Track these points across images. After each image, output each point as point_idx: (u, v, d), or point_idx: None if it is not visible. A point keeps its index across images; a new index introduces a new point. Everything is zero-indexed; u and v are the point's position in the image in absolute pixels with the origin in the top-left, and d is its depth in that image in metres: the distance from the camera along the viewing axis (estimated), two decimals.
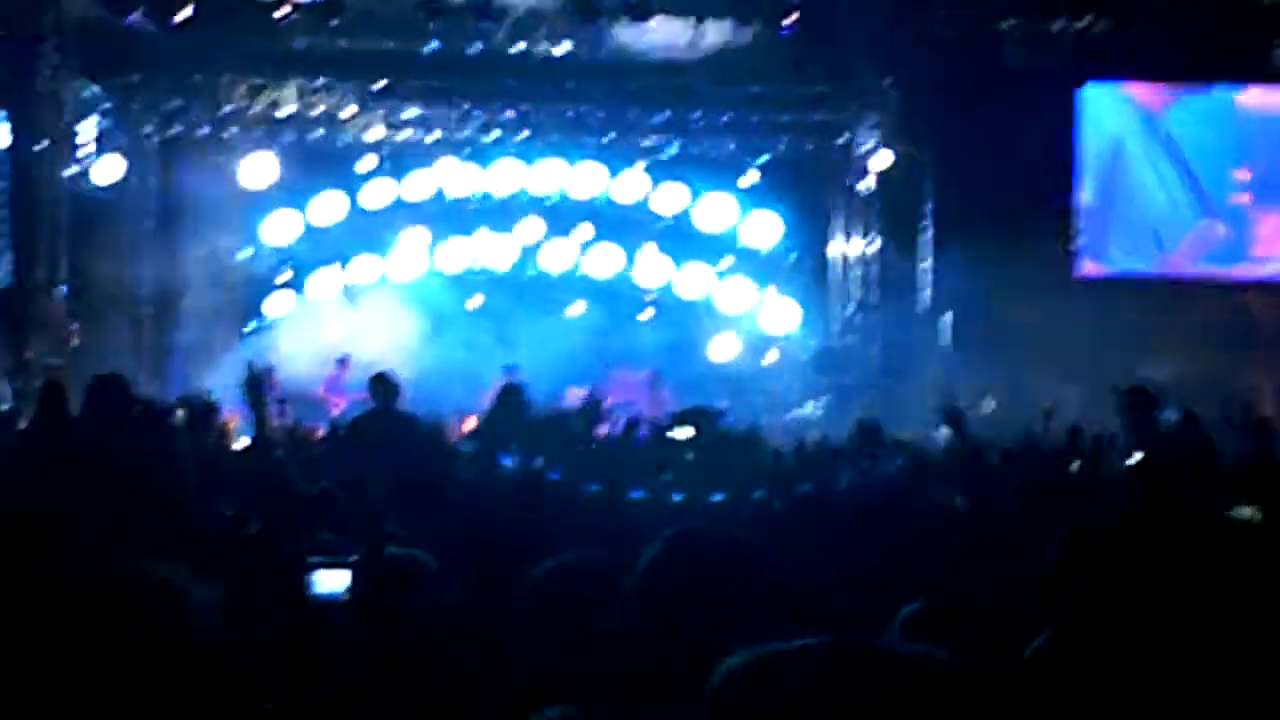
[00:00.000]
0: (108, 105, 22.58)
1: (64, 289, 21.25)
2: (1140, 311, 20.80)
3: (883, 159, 22.22)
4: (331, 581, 6.12)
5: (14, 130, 20.52)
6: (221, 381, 19.67)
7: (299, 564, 5.97)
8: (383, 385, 14.02)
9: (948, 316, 21.69)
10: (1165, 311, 20.68)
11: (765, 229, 24.07)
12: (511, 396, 14.03)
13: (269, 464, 7.97)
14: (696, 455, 8.99)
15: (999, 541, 6.67)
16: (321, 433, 16.60)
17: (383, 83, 22.67)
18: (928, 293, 22.17)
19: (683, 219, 24.19)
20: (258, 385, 8.20)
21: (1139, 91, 22.08)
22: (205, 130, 23.69)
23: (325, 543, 6.89)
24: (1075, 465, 11.15)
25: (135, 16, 19.67)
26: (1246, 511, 6.63)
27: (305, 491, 7.84)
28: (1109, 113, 22.27)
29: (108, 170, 22.13)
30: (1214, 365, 19.47)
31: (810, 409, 21.72)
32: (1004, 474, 9.80)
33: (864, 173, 23.09)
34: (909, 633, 5.33)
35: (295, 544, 6.50)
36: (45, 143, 20.70)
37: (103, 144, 22.21)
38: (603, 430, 12.25)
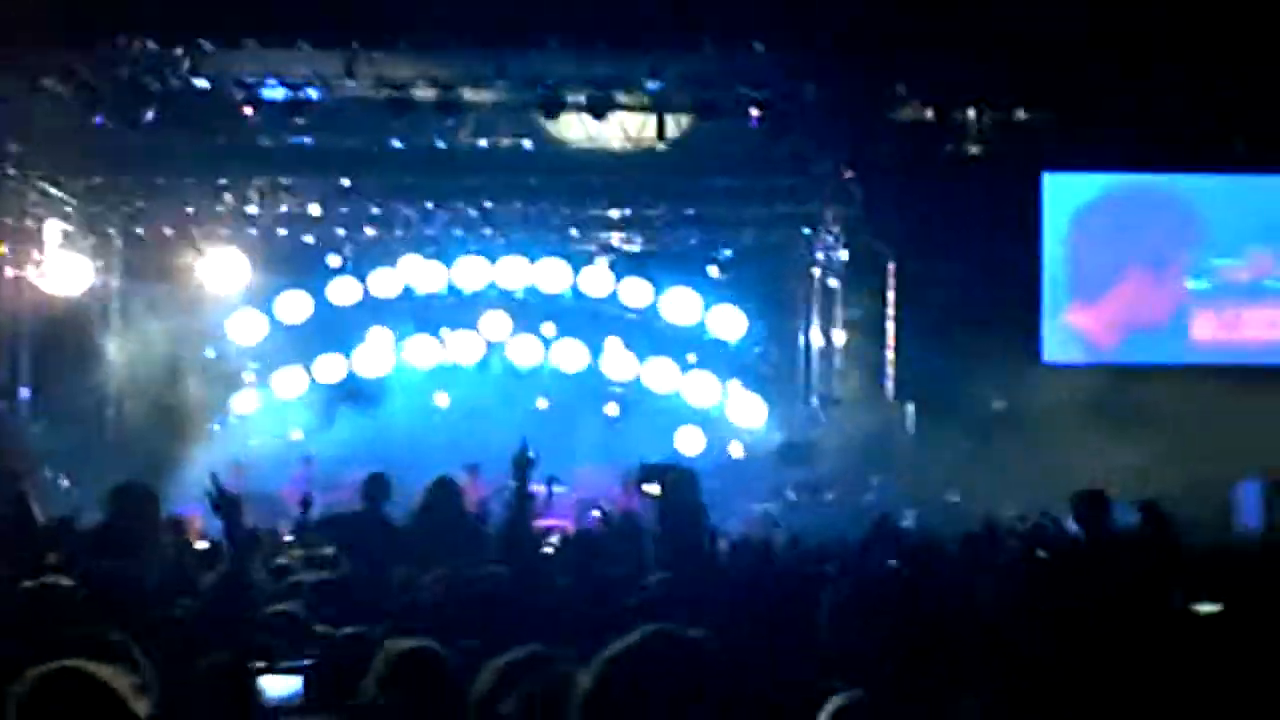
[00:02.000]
0: (70, 208, 22.61)
1: (26, 392, 21.22)
2: (1106, 395, 20.76)
3: (842, 254, 22.40)
4: (281, 686, 6.09)
5: None
6: (188, 478, 19.72)
7: (248, 670, 5.91)
8: (375, 487, 13.87)
9: (911, 406, 21.68)
10: (1128, 394, 20.64)
11: (730, 322, 24.11)
12: (443, 494, 13.84)
13: (239, 587, 7.78)
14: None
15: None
16: (286, 534, 16.49)
17: (346, 181, 22.70)
18: (891, 383, 22.18)
19: (648, 313, 24.22)
20: (229, 504, 7.96)
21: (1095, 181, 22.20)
22: (170, 230, 23.72)
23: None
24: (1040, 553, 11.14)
25: (100, 118, 19.66)
26: (1207, 607, 6.60)
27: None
28: (1069, 201, 22.36)
29: (71, 274, 22.16)
30: (1181, 449, 19.43)
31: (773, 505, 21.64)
32: (962, 561, 9.80)
33: (828, 265, 23.19)
34: None
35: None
36: (6, 247, 20.76)
37: (66, 246, 22.25)
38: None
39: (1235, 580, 7.34)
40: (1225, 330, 22.27)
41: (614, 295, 24.25)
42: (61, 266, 22.05)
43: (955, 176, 20.51)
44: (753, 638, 6.30)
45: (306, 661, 6.19)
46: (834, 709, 4.62)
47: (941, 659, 5.93)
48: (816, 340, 23.67)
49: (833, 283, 23.35)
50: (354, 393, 23.69)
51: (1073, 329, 22.42)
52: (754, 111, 19.15)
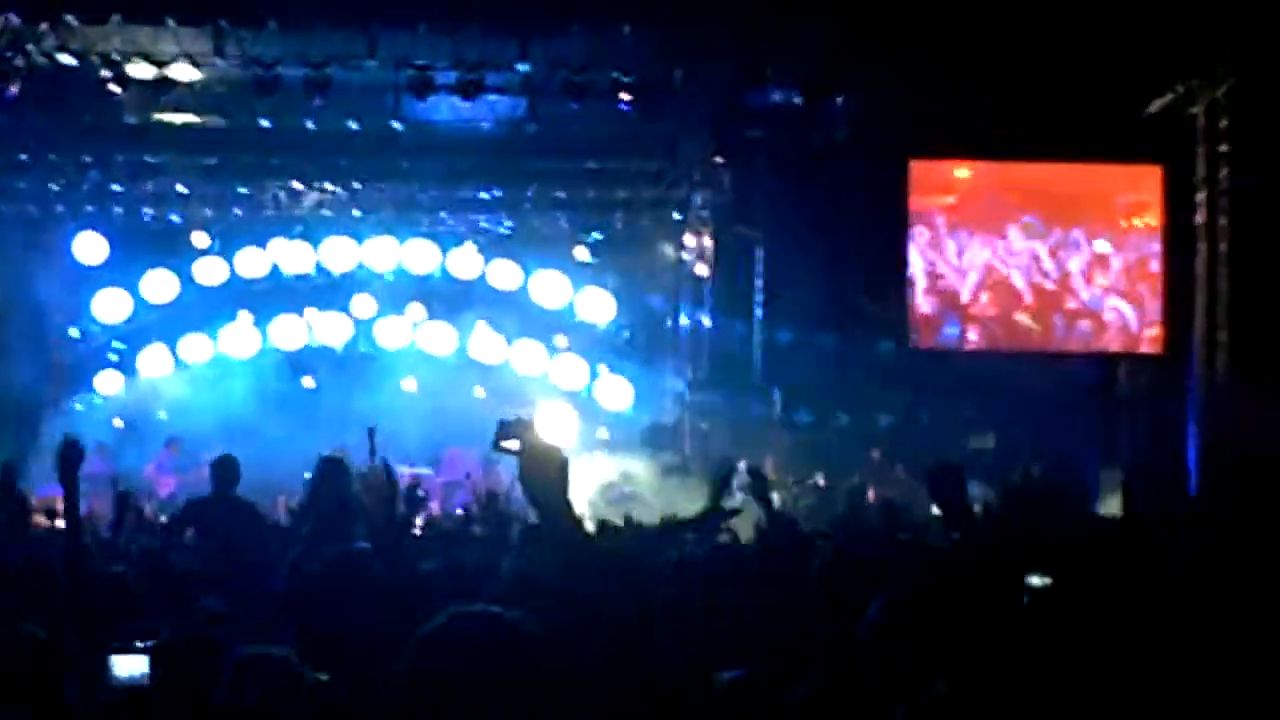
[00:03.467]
0: None
1: None
2: (972, 379, 20.94)
3: (709, 241, 22.50)
4: (130, 666, 6.06)
5: None
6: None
7: (97, 649, 5.89)
8: (223, 470, 13.81)
9: (778, 391, 21.76)
10: (993, 378, 20.83)
11: (599, 305, 24.15)
12: (332, 472, 13.83)
13: (75, 549, 7.77)
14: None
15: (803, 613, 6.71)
16: (148, 512, 16.41)
17: (213, 160, 22.51)
18: (758, 368, 22.26)
19: (517, 296, 24.21)
20: (69, 460, 7.94)
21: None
22: (33, 208, 23.44)
23: (130, 629, 6.81)
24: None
25: None
26: (1037, 580, 6.71)
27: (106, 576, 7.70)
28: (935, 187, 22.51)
29: None
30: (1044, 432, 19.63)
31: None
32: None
33: (697, 251, 23.28)
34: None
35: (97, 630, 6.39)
36: None
37: None
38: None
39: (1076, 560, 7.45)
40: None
41: (482, 277, 24.21)
42: None
43: (824, 161, 20.61)
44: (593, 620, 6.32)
45: (152, 642, 6.15)
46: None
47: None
48: (684, 324, 23.73)
49: (701, 268, 23.38)
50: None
51: (937, 314, 22.58)
52: (624, 95, 19.18)
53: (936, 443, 18.30)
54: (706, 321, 23.14)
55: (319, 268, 24.13)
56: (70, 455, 7.83)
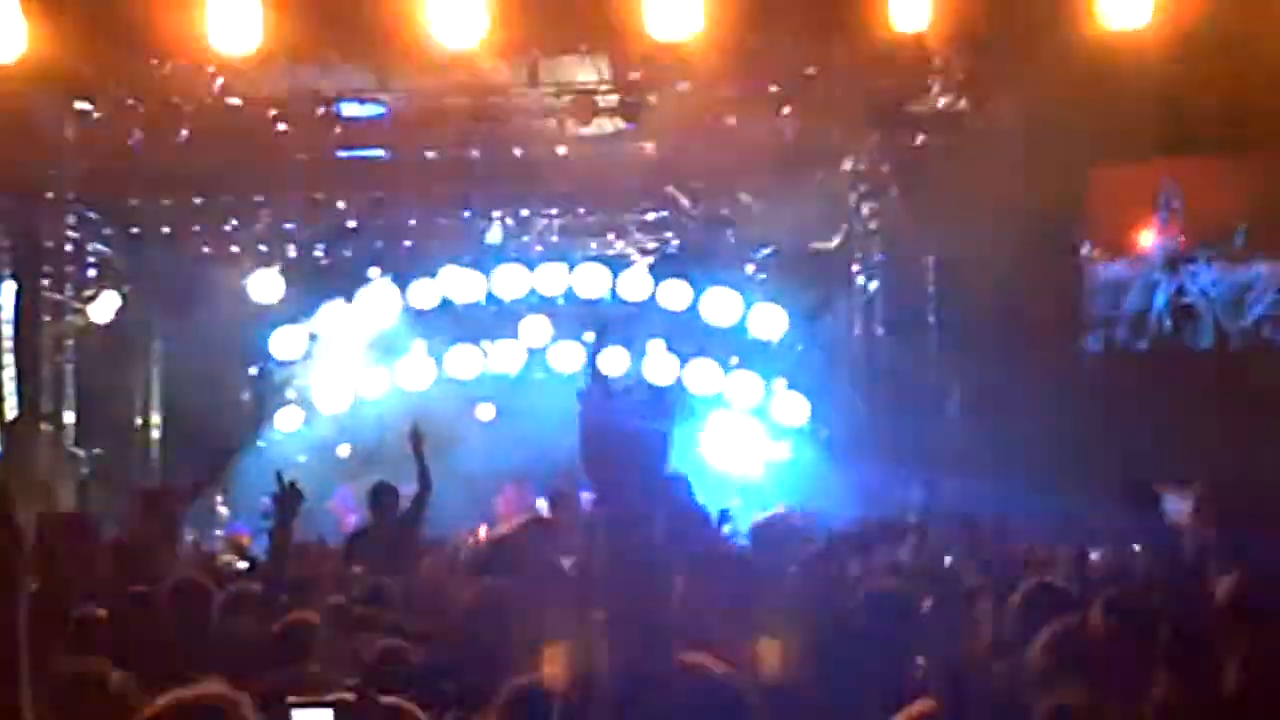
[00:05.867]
0: (107, 230, 22.70)
1: (72, 415, 21.30)
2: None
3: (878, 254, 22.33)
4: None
5: (15, 262, 20.72)
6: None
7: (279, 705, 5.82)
8: (380, 496, 13.86)
9: (955, 399, 21.43)
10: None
11: (771, 321, 23.96)
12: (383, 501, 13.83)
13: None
14: None
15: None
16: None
17: (380, 193, 22.68)
18: (933, 378, 21.92)
19: (688, 315, 24.09)
20: (288, 504, 8.00)
21: None
22: (206, 249, 23.76)
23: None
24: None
25: (136, 137, 19.74)
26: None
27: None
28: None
29: (107, 300, 22.30)
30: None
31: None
32: None
33: (865, 264, 23.04)
34: None
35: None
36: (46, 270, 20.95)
37: (102, 270, 22.40)
38: None
39: None
40: None
41: (653, 298, 24.10)
42: (99, 295, 22.23)
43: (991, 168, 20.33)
44: None
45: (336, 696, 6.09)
46: None
47: None
48: (856, 335, 23.42)
49: (870, 280, 23.08)
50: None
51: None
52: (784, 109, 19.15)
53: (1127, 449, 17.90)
54: (879, 332, 22.81)
55: (490, 296, 24.11)
56: (289, 498, 7.92)
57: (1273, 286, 20.97)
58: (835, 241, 23.66)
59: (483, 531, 17.82)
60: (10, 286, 20.84)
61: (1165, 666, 5.72)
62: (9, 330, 20.82)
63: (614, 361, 23.95)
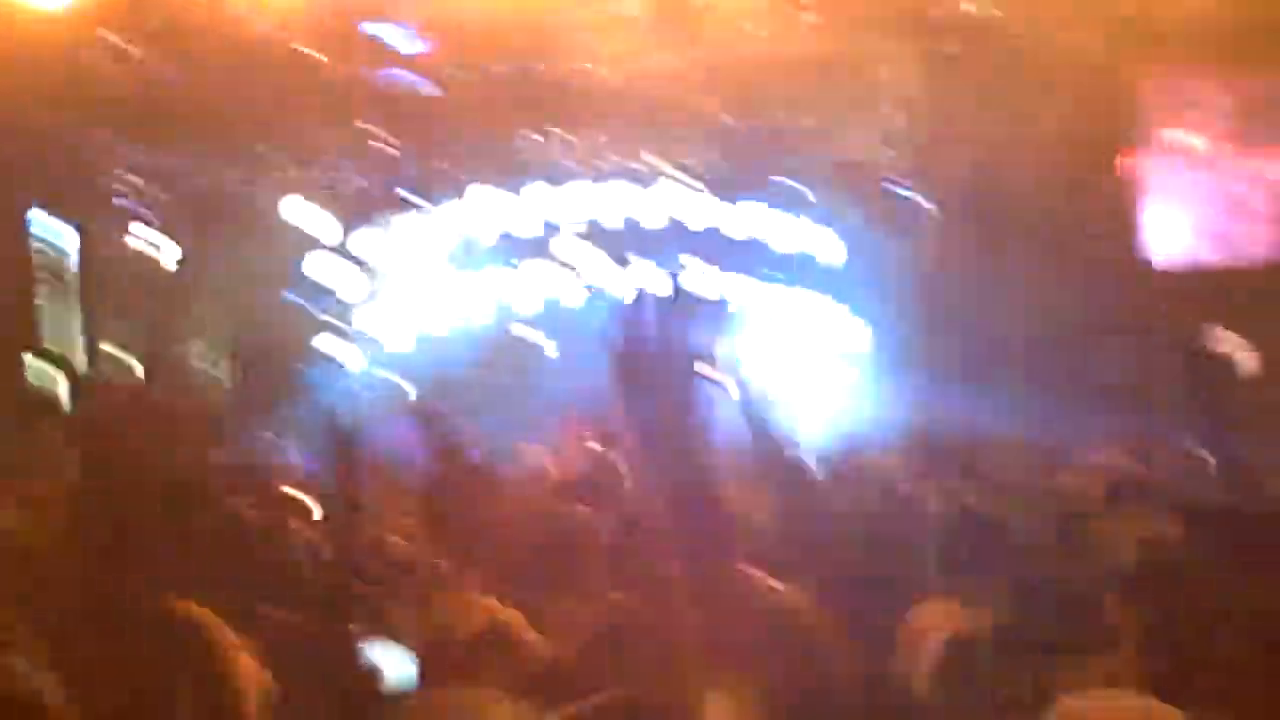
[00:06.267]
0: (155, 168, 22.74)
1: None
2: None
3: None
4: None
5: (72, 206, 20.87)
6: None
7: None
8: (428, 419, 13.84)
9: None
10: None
11: (830, 244, 23.92)
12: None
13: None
14: None
15: None
16: None
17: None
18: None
19: (731, 234, 23.98)
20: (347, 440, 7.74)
21: None
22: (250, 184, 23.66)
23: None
24: None
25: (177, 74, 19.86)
26: None
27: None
28: None
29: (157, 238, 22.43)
30: None
31: None
32: None
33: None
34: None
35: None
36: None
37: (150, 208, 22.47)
38: None
39: None
40: None
41: (707, 220, 23.91)
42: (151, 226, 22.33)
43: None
44: None
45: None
46: None
47: None
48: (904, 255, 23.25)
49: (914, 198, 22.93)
50: None
51: None
52: None
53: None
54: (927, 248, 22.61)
55: (547, 224, 23.97)
56: (346, 434, 7.72)
57: None
58: (875, 155, 23.48)
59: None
60: (71, 229, 20.96)
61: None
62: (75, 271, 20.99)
63: (657, 282, 23.81)
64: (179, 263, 23.22)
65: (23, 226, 20.59)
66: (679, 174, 24.15)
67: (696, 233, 23.99)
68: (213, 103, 20.41)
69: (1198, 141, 21.68)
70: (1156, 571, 6.07)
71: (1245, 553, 5.64)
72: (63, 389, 19.75)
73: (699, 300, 4.64)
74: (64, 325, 21.04)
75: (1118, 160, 21.83)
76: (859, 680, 5.67)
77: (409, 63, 21.01)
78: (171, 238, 22.97)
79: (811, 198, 23.94)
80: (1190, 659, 5.22)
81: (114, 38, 19.20)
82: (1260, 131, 21.41)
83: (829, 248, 23.86)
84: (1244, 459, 6.77)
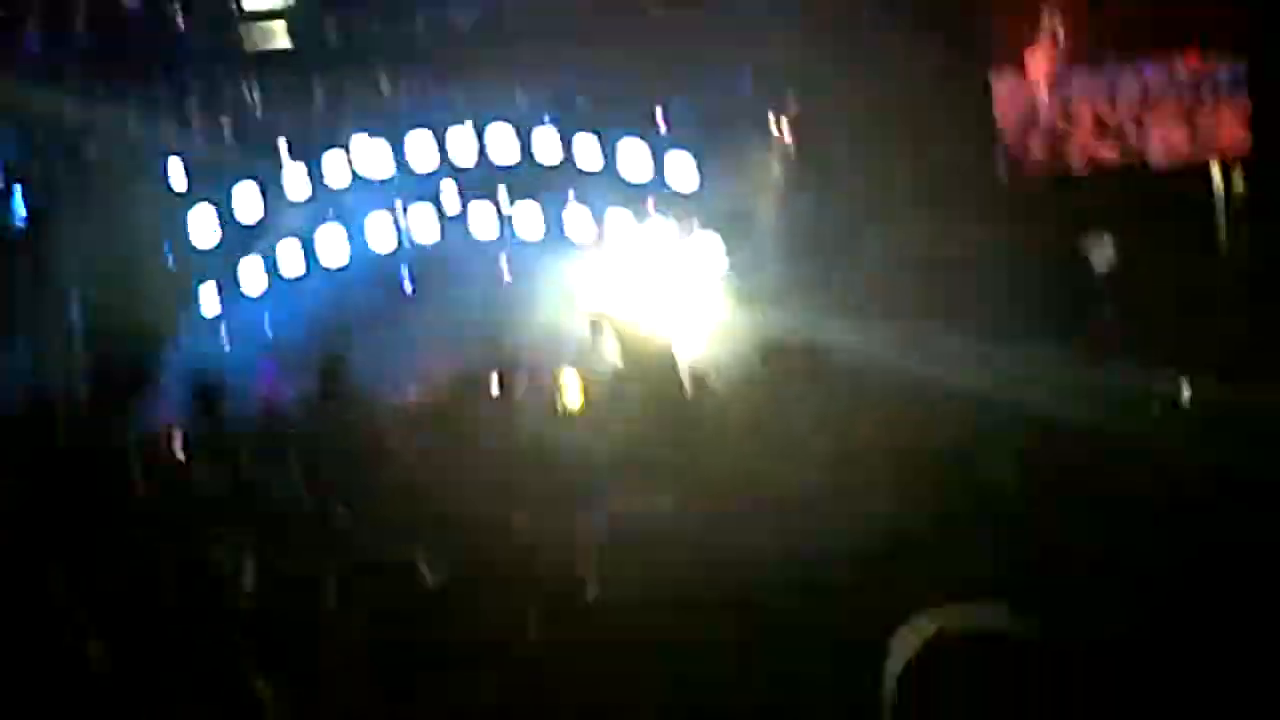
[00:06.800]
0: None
1: None
2: None
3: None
4: None
5: None
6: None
7: None
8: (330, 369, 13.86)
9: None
10: None
11: (685, 171, 23.79)
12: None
13: None
14: None
15: None
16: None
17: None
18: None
19: (600, 170, 23.93)
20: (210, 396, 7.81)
21: None
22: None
23: None
24: None
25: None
26: None
27: None
28: None
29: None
30: None
31: None
32: None
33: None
34: None
35: None
36: None
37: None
38: None
39: None
40: None
41: (568, 157, 23.88)
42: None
43: None
44: None
45: None
46: None
47: None
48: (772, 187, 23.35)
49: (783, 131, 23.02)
50: None
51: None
52: None
53: None
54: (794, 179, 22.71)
55: (401, 165, 23.86)
56: (212, 391, 7.79)
57: None
58: (745, 90, 23.55)
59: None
60: None
61: None
62: None
63: (531, 221, 23.82)
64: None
65: None
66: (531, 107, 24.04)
67: (552, 166, 23.88)
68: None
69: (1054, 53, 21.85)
70: None
71: None
72: None
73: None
74: None
75: (977, 76, 22.01)
76: None
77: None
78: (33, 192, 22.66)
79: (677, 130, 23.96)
80: None
81: None
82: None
83: (685, 175, 23.75)
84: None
